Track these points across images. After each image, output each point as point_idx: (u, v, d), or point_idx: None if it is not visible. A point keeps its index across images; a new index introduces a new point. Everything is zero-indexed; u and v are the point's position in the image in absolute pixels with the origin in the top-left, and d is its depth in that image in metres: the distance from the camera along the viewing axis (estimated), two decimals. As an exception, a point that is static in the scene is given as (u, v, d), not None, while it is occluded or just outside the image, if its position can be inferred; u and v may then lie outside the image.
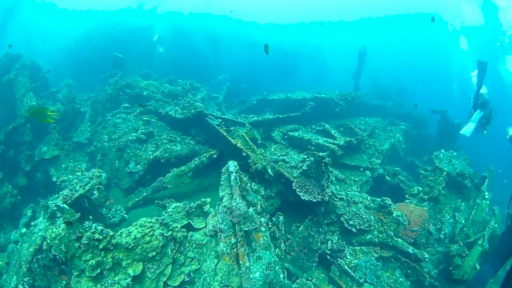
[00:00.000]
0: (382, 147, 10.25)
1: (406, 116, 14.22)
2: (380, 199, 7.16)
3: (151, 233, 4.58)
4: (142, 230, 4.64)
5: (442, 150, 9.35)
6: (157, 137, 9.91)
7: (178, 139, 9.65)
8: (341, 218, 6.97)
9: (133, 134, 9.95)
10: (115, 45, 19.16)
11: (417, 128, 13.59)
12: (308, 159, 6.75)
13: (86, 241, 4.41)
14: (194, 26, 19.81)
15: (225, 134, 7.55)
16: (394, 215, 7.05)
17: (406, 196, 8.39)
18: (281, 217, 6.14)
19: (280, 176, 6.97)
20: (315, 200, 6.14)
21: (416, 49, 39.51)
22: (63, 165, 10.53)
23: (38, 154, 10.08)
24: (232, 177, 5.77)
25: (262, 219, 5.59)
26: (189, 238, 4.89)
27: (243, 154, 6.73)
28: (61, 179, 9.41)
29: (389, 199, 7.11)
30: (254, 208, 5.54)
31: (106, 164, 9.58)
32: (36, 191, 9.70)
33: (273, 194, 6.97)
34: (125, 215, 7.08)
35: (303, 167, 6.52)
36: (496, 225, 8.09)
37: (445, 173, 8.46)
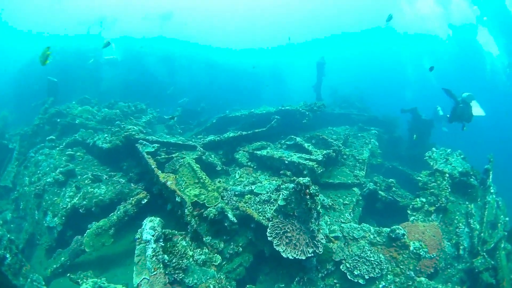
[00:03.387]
0: (361, 156, 8.11)
1: (374, 120, 12.59)
2: (388, 230, 4.77)
3: None
4: None
5: (434, 149, 7.46)
6: (79, 177, 7.14)
7: (105, 177, 6.76)
8: (340, 266, 4.40)
9: (52, 174, 7.27)
10: (59, 71, 16.16)
11: (388, 131, 11.92)
12: (284, 188, 4.17)
13: None
14: (147, 48, 17.09)
15: (153, 167, 4.75)
16: (411, 248, 4.67)
17: (408, 211, 6.16)
18: (254, 296, 3.37)
19: (248, 219, 4.28)
20: (304, 257, 3.51)
21: (371, 58, 39.78)
22: (-20, 219, 7.53)
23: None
24: (149, 252, 2.99)
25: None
26: None
27: (177, 199, 3.93)
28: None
29: (400, 227, 4.75)
30: (200, 300, 2.74)
31: (29, 215, 7.06)
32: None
33: (241, 249, 4.22)
34: (44, 288, 4.60)
35: (279, 202, 3.92)
36: (507, 218, 6.59)
37: (447, 175, 6.44)
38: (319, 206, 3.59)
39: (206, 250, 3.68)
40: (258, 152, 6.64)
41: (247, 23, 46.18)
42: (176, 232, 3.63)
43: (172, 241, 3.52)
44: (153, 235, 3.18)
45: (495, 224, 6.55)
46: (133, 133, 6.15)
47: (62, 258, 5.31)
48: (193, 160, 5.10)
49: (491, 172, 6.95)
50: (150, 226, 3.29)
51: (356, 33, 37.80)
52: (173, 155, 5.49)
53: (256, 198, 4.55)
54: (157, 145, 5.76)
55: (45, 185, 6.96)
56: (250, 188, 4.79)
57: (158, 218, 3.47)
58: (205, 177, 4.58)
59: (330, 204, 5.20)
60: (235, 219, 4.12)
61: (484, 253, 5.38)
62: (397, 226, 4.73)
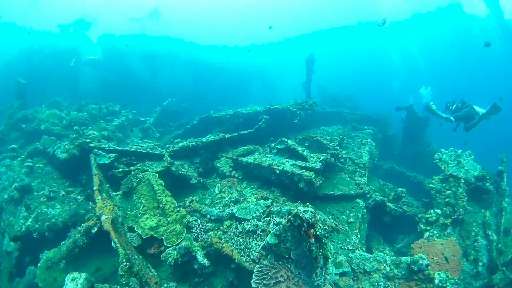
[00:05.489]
0: (361, 159, 6.92)
1: (366, 119, 11.47)
2: (409, 260, 3.54)
3: None
4: None
5: (442, 150, 6.33)
6: (35, 193, 5.90)
7: (62, 193, 5.42)
8: (352, 313, 3.15)
9: (9, 190, 6.21)
10: (36, 72, 14.73)
11: (381, 130, 10.82)
12: (275, 211, 2.87)
13: None
14: (129, 47, 15.36)
15: (95, 188, 3.37)
16: (436, 281, 3.49)
17: (421, 225, 5.03)
18: None
19: (225, 258, 2.95)
20: (307, 326, 2.21)
21: (357, 53, 37.89)
22: None
23: None
24: None
25: None
26: None
27: (112, 244, 2.56)
28: None
29: (424, 257, 3.52)
30: None
31: (-8, 236, 5.88)
32: None
33: (217, 296, 2.89)
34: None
35: (268, 239, 2.60)
36: None
37: (462, 181, 5.34)
38: (328, 248, 2.30)
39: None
40: (244, 159, 5.30)
41: (234, 19, 44.15)
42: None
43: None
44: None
45: (509, 230, 5.63)
46: (87, 140, 4.69)
47: (19, 290, 4.11)
48: (155, 175, 3.73)
49: (505, 174, 5.94)
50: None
51: (341, 28, 36.13)
52: (133, 168, 4.08)
53: (238, 226, 3.23)
54: (114, 155, 4.32)
55: (2, 203, 5.90)
56: (230, 211, 3.46)
57: (84, 276, 2.11)
58: (166, 201, 3.21)
59: (334, 225, 3.94)
60: (207, 262, 2.78)
61: (504, 268, 4.66)
62: (419, 255, 3.51)
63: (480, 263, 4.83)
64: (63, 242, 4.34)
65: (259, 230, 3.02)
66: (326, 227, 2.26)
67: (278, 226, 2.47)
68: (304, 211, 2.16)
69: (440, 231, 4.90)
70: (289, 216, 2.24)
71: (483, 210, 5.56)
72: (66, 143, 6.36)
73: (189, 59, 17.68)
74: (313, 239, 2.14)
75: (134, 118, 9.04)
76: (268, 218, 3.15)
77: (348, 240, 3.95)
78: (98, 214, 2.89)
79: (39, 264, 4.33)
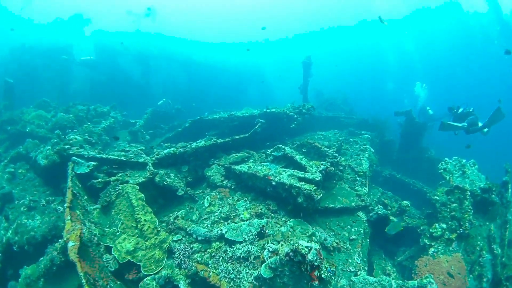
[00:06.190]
0: (360, 167, 6.58)
1: (363, 124, 11.18)
2: (416, 284, 3.16)
3: None
4: None
5: (446, 159, 6.02)
6: (16, 202, 5.55)
7: (42, 203, 5.00)
8: None
9: None
10: (28, 71, 14.42)
11: (378, 135, 10.53)
12: (271, 234, 2.46)
13: None
14: (123, 45, 14.75)
15: (66, 205, 2.96)
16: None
17: (425, 240, 4.68)
18: None
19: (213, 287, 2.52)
20: None
21: (352, 54, 37.07)
22: None
23: None
24: None
25: None
26: None
27: (79, 277, 2.10)
28: None
29: (432, 281, 3.15)
30: None
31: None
32: None
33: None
34: None
35: (262, 271, 2.19)
36: None
37: (468, 193, 5.03)
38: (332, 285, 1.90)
39: None
40: (237, 168, 4.88)
41: (232, 18, 43.42)
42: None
43: None
44: None
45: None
46: (66, 147, 4.22)
47: (1, 309, 3.94)
48: (135, 188, 3.29)
49: (510, 184, 5.66)
50: None
51: (337, 28, 35.30)
52: (113, 178, 3.63)
53: (228, 250, 2.81)
54: (93, 163, 3.87)
55: (-17, 211, 5.42)
56: (220, 232, 3.03)
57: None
58: (145, 220, 2.78)
59: (335, 244, 3.54)
60: (191, 295, 2.35)
61: (507, 283, 4.56)
62: (427, 279, 3.14)
63: (485, 279, 4.61)
64: (42, 259, 3.93)
65: (252, 257, 2.60)
66: (333, 268, 1.87)
67: (274, 258, 2.07)
68: (307, 247, 1.75)
69: (445, 246, 4.58)
70: (288, 250, 1.85)
71: (487, 223, 5.28)
72: (48, 148, 5.88)
73: (184, 58, 17.16)
74: (316, 282, 1.75)
75: (124, 120, 8.51)
76: (262, 242, 2.75)
77: (350, 261, 3.56)
78: (65, 239, 2.45)
79: (19, 280, 3.97)
